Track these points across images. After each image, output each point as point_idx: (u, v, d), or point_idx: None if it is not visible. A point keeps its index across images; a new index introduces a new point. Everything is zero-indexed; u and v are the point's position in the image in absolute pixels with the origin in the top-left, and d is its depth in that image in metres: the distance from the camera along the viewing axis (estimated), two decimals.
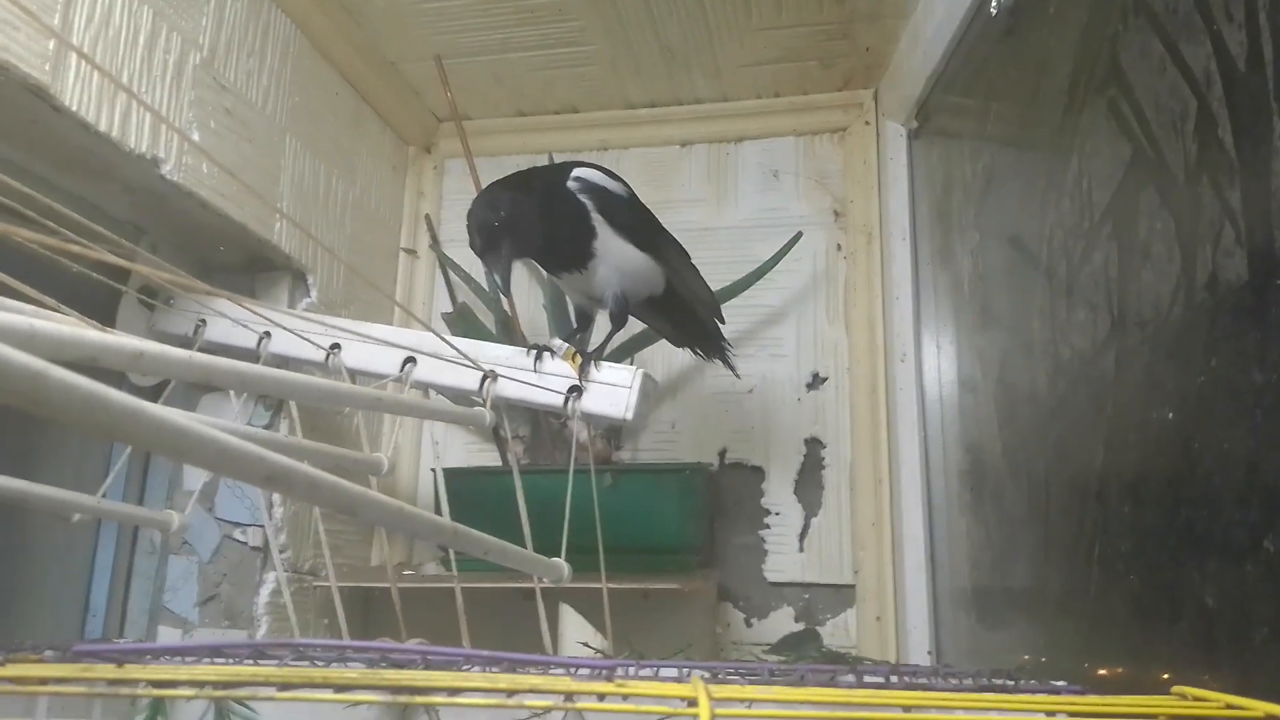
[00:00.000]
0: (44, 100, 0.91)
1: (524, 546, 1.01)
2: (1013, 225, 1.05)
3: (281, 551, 1.20)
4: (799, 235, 1.42)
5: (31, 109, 0.92)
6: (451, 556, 1.08)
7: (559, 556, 0.95)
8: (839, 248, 1.48)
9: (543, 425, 1.38)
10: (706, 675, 0.56)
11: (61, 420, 0.34)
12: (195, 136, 1.10)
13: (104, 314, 1.18)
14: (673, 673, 0.70)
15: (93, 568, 1.19)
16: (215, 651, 0.54)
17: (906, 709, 0.46)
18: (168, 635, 1.20)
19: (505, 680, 0.46)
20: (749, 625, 1.37)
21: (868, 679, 0.66)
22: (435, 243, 1.59)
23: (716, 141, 1.57)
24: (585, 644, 1.01)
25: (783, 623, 1.35)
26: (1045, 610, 0.95)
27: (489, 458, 1.51)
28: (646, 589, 1.17)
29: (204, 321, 1.17)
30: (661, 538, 1.23)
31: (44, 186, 1.05)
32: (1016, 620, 1.05)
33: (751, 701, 0.41)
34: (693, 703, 0.38)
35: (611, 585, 1.03)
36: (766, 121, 1.54)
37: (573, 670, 0.51)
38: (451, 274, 1.53)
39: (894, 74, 1.39)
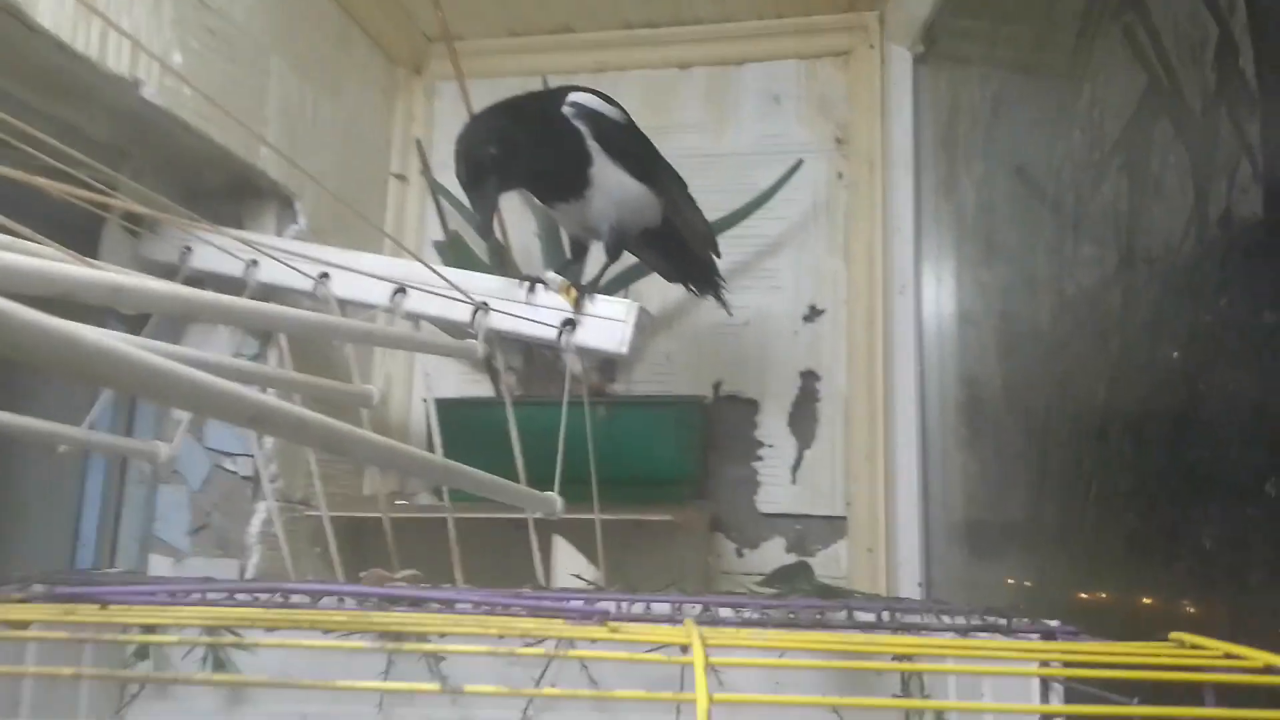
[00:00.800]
0: (17, 19, 0.87)
1: (517, 479, 1.01)
2: (1020, 155, 1.02)
3: (272, 481, 1.20)
4: (799, 163, 1.38)
5: (5, 28, 0.88)
6: (444, 487, 1.07)
7: (553, 488, 0.95)
8: (840, 176, 1.45)
9: (536, 357, 1.36)
10: (699, 612, 0.56)
11: (31, 362, 0.32)
12: (176, 58, 1.06)
13: (88, 240, 1.16)
14: (665, 608, 0.70)
15: (82, 497, 1.19)
16: (201, 591, 0.54)
17: (899, 658, 0.46)
18: (159, 565, 1.20)
19: (497, 624, 0.45)
20: (740, 555, 1.37)
21: (860, 616, 0.66)
22: (426, 168, 1.56)
23: (717, 64, 1.53)
24: (578, 575, 1.01)
25: (774, 553, 1.36)
26: (1039, 545, 0.95)
27: (482, 388, 1.50)
28: (639, 520, 1.17)
29: (189, 249, 1.15)
30: (655, 469, 1.23)
31: (21, 110, 1.01)
32: (1009, 554, 1.05)
33: (746, 649, 0.41)
34: (686, 649, 0.38)
35: (604, 516, 1.03)
36: (768, 44, 1.49)
37: (566, 607, 0.51)
38: (443, 200, 1.50)
39: None
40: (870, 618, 0.66)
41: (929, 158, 1.30)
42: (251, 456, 1.19)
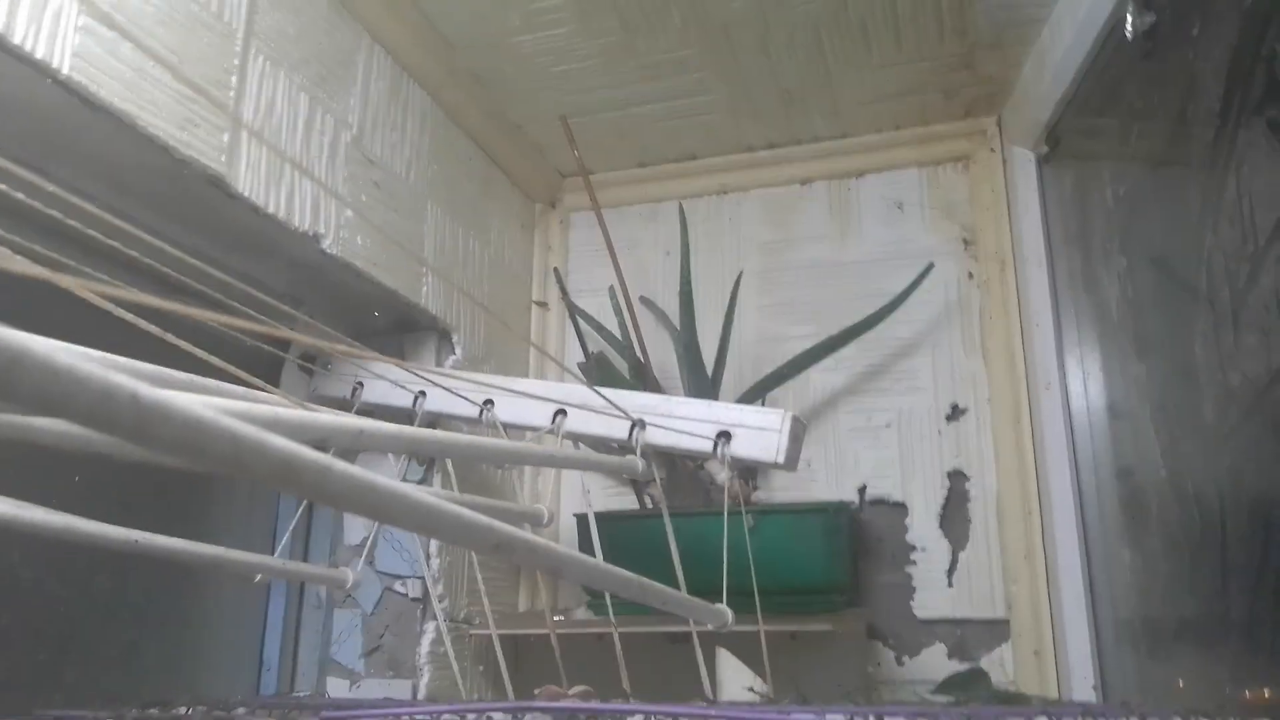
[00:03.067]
0: (220, 189, 0.98)
1: (676, 589, 1.03)
2: (1165, 249, 1.03)
3: (440, 601, 1.25)
4: (931, 265, 1.41)
5: (209, 197, 1.00)
6: (608, 601, 1.10)
7: (710, 599, 0.96)
8: (970, 276, 1.47)
9: (679, 466, 1.39)
10: None
11: (337, 505, 0.38)
12: (349, 211, 1.16)
13: (268, 378, 1.25)
14: (847, 718, 0.70)
15: (265, 623, 1.25)
16: (427, 713, 0.57)
17: None
18: (335, 686, 1.25)
19: None
20: (900, 664, 1.35)
21: None
22: (565, 294, 1.64)
23: (837, 178, 1.58)
24: (750, 689, 1.02)
25: (935, 660, 1.33)
26: (1223, 641, 0.92)
27: (623, 501, 1.53)
28: (796, 630, 1.17)
29: (361, 384, 1.23)
30: (806, 578, 1.23)
31: (215, 265, 1.13)
32: (1189, 652, 1.01)
33: None
34: None
35: (769, 628, 1.04)
36: (887, 155, 1.54)
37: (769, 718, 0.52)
38: (582, 323, 1.57)
39: (1019, 100, 1.38)
40: None
41: (1061, 253, 1.31)
42: (421, 578, 1.24)
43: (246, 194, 1.00)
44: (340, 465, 0.35)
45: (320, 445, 0.56)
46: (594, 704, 0.66)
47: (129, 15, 0.87)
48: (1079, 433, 1.25)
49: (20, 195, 0.58)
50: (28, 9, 0.77)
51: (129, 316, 0.54)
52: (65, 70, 0.79)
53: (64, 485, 0.99)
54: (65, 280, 0.43)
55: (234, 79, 1.00)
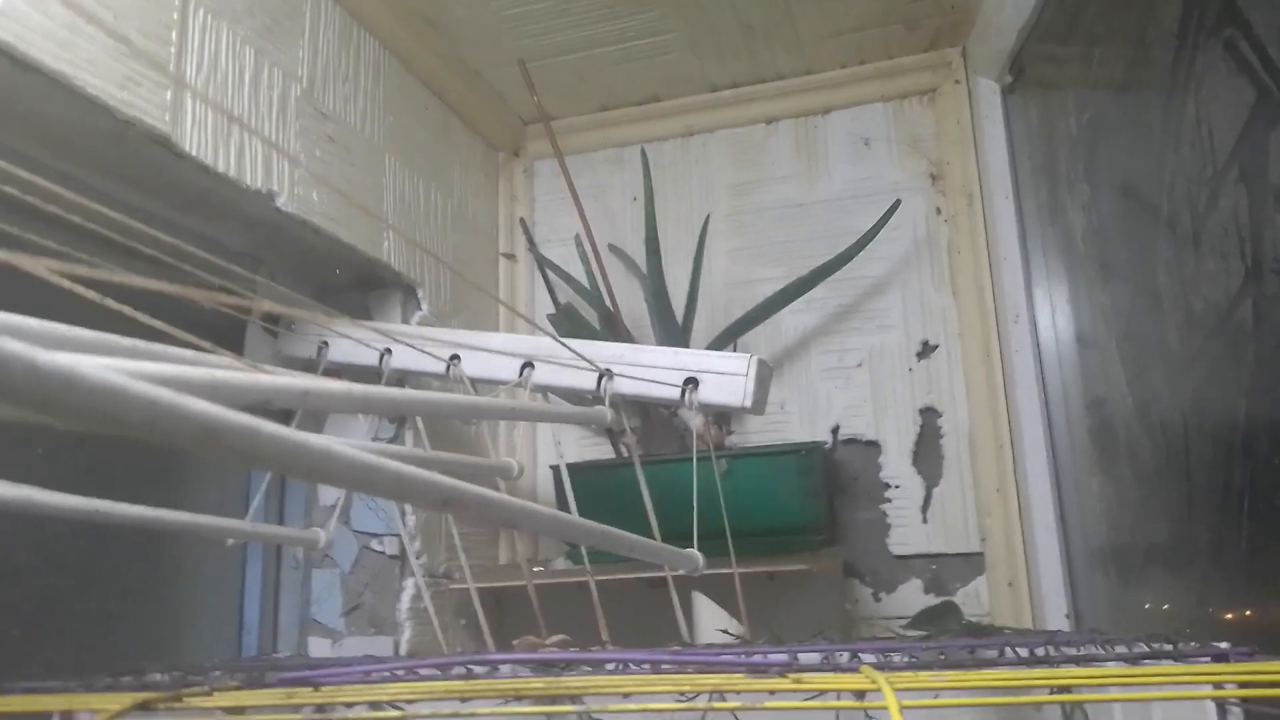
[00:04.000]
0: (167, 148, 0.95)
1: (650, 537, 1.03)
2: (1127, 176, 1.02)
3: (417, 557, 1.25)
4: (898, 203, 1.40)
5: (155, 157, 0.97)
6: (583, 551, 1.10)
7: (685, 544, 0.97)
8: (938, 211, 1.46)
9: (652, 414, 1.39)
10: (847, 659, 0.57)
11: (269, 468, 0.37)
12: (303, 167, 1.14)
13: (233, 342, 1.24)
14: (814, 658, 0.71)
15: (244, 586, 1.25)
16: (401, 668, 0.57)
17: (1057, 690, 0.46)
18: (317, 646, 1.26)
19: (682, 681, 0.47)
20: (877, 600, 1.36)
21: (1020, 652, 0.66)
22: (532, 245, 1.62)
23: (803, 115, 1.56)
24: (724, 630, 1.03)
25: (912, 595, 1.35)
26: (1192, 566, 0.93)
27: (601, 450, 1.53)
28: (773, 571, 1.18)
29: (326, 343, 1.22)
30: (782, 519, 1.23)
31: (166, 226, 1.10)
32: (1159, 578, 1.02)
33: (937, 691, 0.42)
34: (863, 695, 0.39)
35: (742, 570, 1.04)
36: (852, 90, 1.52)
37: (746, 661, 0.53)
38: (550, 274, 1.56)
39: (982, 29, 1.36)
40: (1028, 654, 0.66)
41: (1028, 185, 1.30)
42: (397, 535, 1.24)
43: (194, 153, 0.98)
44: (269, 427, 0.34)
45: (266, 407, 0.55)
46: (569, 653, 0.66)
47: None
48: (1048, 365, 1.26)
49: None
50: None
51: (82, 290, 0.52)
52: None
53: (26, 458, 0.98)
54: (25, 261, 0.42)
55: (174, 34, 0.97)
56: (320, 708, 0.48)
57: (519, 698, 0.47)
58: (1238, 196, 0.77)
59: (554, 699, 0.50)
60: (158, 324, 0.63)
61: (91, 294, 0.55)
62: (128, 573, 1.11)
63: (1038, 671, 0.47)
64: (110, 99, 0.88)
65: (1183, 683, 0.59)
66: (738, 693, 0.46)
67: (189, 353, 0.68)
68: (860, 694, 0.47)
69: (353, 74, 1.26)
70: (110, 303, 0.58)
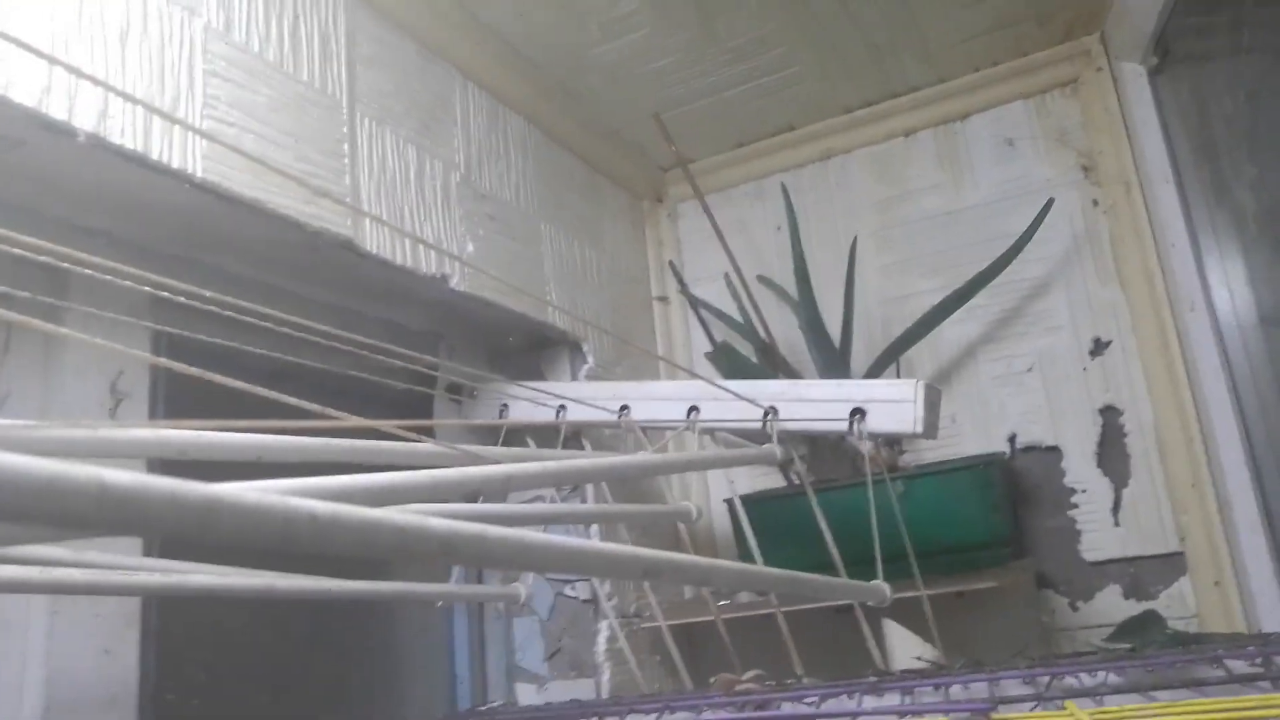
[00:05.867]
0: (352, 250, 1.05)
1: (830, 564, 1.05)
2: None
3: (609, 600, 1.30)
4: (1051, 201, 1.36)
5: (342, 259, 1.07)
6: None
7: (867, 569, 0.98)
8: (1095, 203, 1.41)
9: (820, 440, 1.40)
10: (1077, 685, 0.57)
11: (500, 566, 0.42)
12: (470, 248, 1.22)
13: (422, 411, 1.33)
14: (1021, 681, 0.71)
15: (452, 641, 1.34)
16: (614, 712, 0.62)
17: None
18: (524, 691, 1.33)
19: None
20: (1075, 610, 1.32)
21: (1232, 665, 0.64)
22: (683, 286, 1.66)
23: (941, 123, 1.54)
24: (919, 658, 1.03)
25: (1111, 601, 1.30)
26: None
27: (772, 480, 1.55)
28: (962, 590, 1.17)
29: (506, 405, 1.30)
30: (966, 535, 1.22)
31: (357, 318, 1.21)
32: None
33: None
34: None
35: (929, 592, 1.04)
36: (989, 92, 1.50)
37: (949, 705, 0.54)
38: (703, 313, 1.59)
39: (1119, 13, 1.32)
40: (1243, 666, 0.64)
41: (1189, 167, 1.25)
42: (588, 580, 1.30)
43: (375, 251, 1.07)
44: (495, 531, 0.39)
45: (473, 496, 0.60)
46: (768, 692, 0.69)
47: (245, 110, 0.94)
48: (1233, 351, 1.20)
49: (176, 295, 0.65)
50: (159, 126, 0.84)
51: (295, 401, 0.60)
52: (200, 174, 0.87)
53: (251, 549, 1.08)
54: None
55: (346, 146, 1.07)
56: None
57: None
58: None
59: None
60: (364, 420, 0.70)
61: (296, 401, 0.62)
62: (350, 641, 1.21)
63: (1260, 698, 0.46)
64: (300, 215, 0.97)
65: None
66: None
67: (399, 446, 0.75)
68: None
69: (503, 152, 1.35)
70: (311, 406, 0.65)
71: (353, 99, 1.09)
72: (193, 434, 0.65)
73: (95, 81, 0.76)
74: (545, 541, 0.42)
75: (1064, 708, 0.46)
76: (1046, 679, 0.70)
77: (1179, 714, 0.45)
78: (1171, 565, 1.28)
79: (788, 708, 0.74)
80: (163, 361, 0.63)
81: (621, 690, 1.27)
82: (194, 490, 0.27)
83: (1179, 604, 1.26)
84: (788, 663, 1.07)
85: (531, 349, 1.41)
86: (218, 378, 0.57)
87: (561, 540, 0.44)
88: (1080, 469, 1.36)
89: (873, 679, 0.84)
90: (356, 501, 0.45)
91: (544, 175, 1.43)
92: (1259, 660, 0.66)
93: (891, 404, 1.02)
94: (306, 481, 0.44)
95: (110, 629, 0.87)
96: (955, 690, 0.71)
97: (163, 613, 0.92)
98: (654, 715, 0.73)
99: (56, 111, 0.76)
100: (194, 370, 0.57)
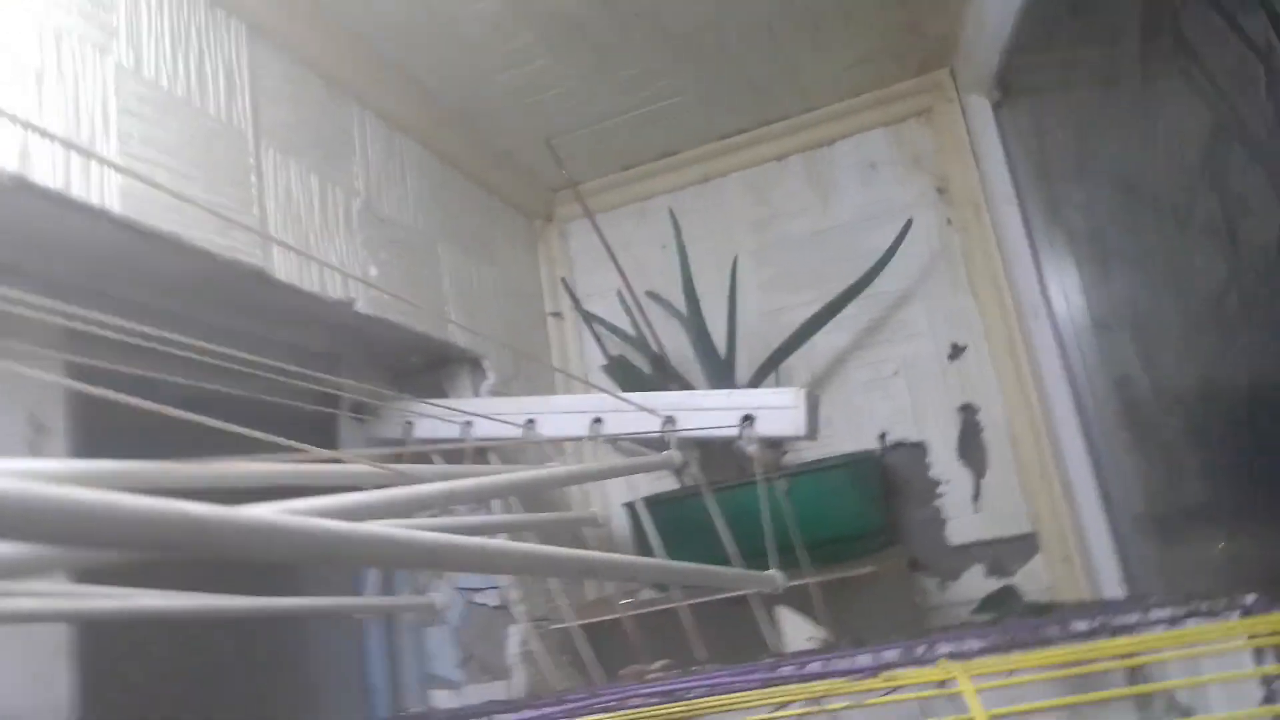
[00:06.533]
0: (263, 279, 1.08)
1: (726, 559, 1.14)
2: (1115, 180, 1.12)
3: (518, 605, 1.36)
4: (910, 222, 1.50)
5: (251, 287, 1.10)
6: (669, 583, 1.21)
7: (760, 560, 1.08)
8: (949, 222, 1.56)
9: (711, 445, 1.50)
10: (949, 650, 0.67)
11: (452, 568, 0.48)
12: (373, 271, 1.27)
13: (326, 433, 1.36)
14: (900, 652, 0.81)
15: (366, 653, 1.37)
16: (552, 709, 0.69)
17: (1126, 656, 0.56)
18: (440, 697, 1.37)
19: (799, 691, 0.58)
20: (944, 589, 1.46)
21: (1079, 627, 0.76)
22: (576, 302, 1.74)
23: (810, 149, 1.67)
24: (811, 639, 1.13)
25: (975, 580, 1.44)
26: (1220, 523, 1.02)
27: (668, 483, 1.64)
28: (844, 576, 1.28)
29: (410, 423, 1.34)
30: (845, 527, 1.33)
31: (260, 342, 1.23)
32: (1198, 537, 1.12)
33: (1009, 672, 0.52)
34: (947, 683, 0.50)
35: (817, 579, 1.15)
36: (854, 120, 1.63)
37: (849, 667, 0.64)
38: (597, 328, 1.67)
39: (966, 53, 1.46)
40: (1084, 625, 0.76)
41: (1029, 189, 1.40)
42: (496, 588, 1.36)
43: (284, 279, 1.10)
44: (446, 538, 0.46)
45: (416, 512, 0.66)
46: (685, 679, 0.77)
47: (158, 145, 0.97)
48: (1071, 353, 1.35)
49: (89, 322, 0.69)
50: (79, 164, 0.87)
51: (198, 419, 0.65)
52: (118, 210, 0.90)
53: (167, 568, 1.10)
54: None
55: (253, 176, 1.10)
56: None
57: None
58: (1211, 202, 0.87)
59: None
60: (272, 438, 0.75)
61: (204, 419, 0.67)
62: (267, 659, 1.23)
63: (1092, 645, 0.57)
64: (213, 246, 1.00)
65: (1220, 639, 0.69)
66: (838, 695, 0.56)
67: (328, 468, 0.80)
68: (941, 683, 0.57)
69: (400, 177, 1.39)
70: (219, 424, 0.70)
71: (258, 131, 1.12)
72: (123, 465, 0.69)
73: (40, 129, 0.78)
74: (501, 547, 0.49)
75: (937, 665, 0.56)
76: (922, 648, 0.80)
77: (1030, 664, 0.55)
78: (1026, 545, 1.43)
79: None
80: (83, 387, 0.66)
81: (534, 691, 1.33)
82: (216, 512, 0.33)
83: (1034, 579, 1.41)
84: (690, 653, 1.16)
85: (432, 367, 1.45)
86: (141, 403, 0.61)
87: (513, 546, 0.50)
88: (943, 462, 1.50)
89: (770, 660, 0.93)
90: (334, 518, 0.51)
91: (440, 198, 1.48)
92: (1097, 620, 0.78)
93: (778, 410, 1.12)
94: (304, 502, 0.50)
95: (40, 656, 0.88)
96: (844, 663, 0.81)
97: (88, 639, 0.94)
98: (582, 704, 0.80)
99: None
100: (118, 396, 0.61)
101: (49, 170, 0.84)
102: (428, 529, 0.74)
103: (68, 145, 0.84)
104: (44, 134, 0.81)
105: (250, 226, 1.05)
